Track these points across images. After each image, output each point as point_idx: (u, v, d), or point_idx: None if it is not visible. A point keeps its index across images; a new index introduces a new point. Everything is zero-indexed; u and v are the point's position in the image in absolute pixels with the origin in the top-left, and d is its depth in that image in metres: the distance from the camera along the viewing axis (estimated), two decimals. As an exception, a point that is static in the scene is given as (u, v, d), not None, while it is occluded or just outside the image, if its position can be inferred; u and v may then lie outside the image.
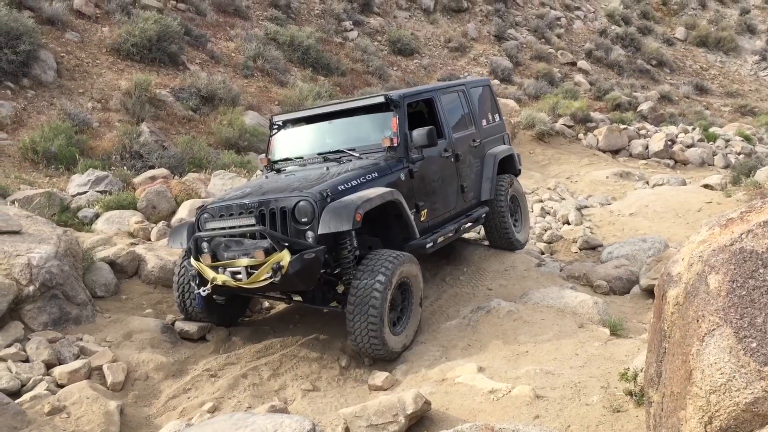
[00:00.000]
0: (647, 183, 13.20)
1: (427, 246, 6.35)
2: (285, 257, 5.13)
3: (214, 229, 5.56)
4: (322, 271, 5.50)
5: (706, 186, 12.35)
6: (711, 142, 16.80)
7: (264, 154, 7.10)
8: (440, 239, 6.67)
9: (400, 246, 6.09)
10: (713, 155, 16.15)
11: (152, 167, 9.61)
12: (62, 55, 11.79)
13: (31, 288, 5.62)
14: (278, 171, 6.68)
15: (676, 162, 15.88)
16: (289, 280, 5.25)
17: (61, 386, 4.97)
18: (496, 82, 19.70)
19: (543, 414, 4.46)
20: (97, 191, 8.47)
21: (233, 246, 5.48)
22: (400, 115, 6.40)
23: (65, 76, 11.43)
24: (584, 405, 4.47)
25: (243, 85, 14.07)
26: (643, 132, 17.13)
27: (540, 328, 5.90)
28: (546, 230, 10.19)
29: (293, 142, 7.00)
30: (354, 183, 5.76)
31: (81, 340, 5.63)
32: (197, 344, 5.98)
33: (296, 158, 6.76)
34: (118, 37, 12.78)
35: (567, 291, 6.76)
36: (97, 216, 7.83)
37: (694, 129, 17.58)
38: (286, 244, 5.23)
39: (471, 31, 21.83)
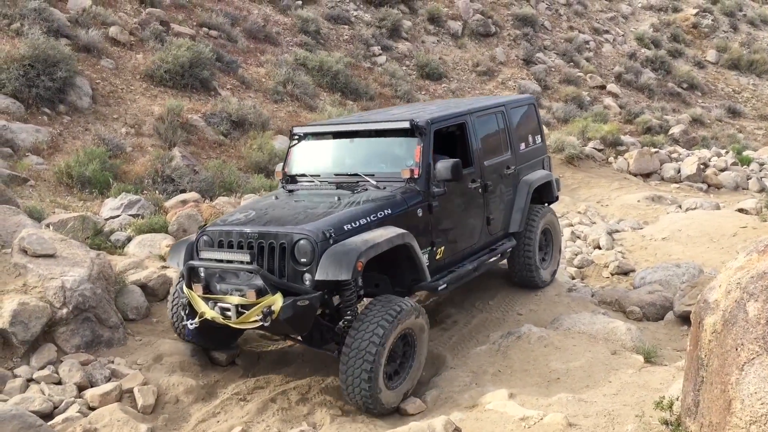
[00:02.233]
0: (680, 207, 12.99)
1: (440, 288, 5.94)
2: (277, 302, 4.84)
3: (208, 260, 5.28)
4: (319, 311, 5.23)
5: (740, 210, 12.12)
6: (745, 166, 16.52)
7: (281, 165, 6.73)
8: (456, 279, 6.20)
9: (409, 286, 5.76)
10: (747, 179, 15.87)
11: (183, 191, 9.72)
12: (97, 81, 12.06)
13: (65, 311, 5.70)
14: (290, 192, 6.32)
15: (709, 186, 15.63)
16: (280, 326, 5.02)
17: (93, 409, 5.02)
18: (525, 105, 19.64)
19: (576, 443, 4.38)
20: (130, 215, 8.58)
21: (228, 277, 5.24)
22: (424, 143, 5.90)
23: (100, 102, 11.67)
24: (618, 434, 4.38)
25: (273, 109, 14.23)
26: (675, 155, 16.89)
27: (572, 355, 5.81)
28: (576, 255, 10.07)
29: (311, 157, 6.59)
30: (363, 221, 5.34)
31: (112, 362, 5.67)
32: (226, 368, 5.99)
33: (312, 175, 6.37)
34: (151, 64, 13.03)
35: (599, 317, 6.66)
36: (129, 239, 7.93)
37: (727, 152, 17.31)
38: (281, 287, 4.95)
39: (499, 55, 21.85)
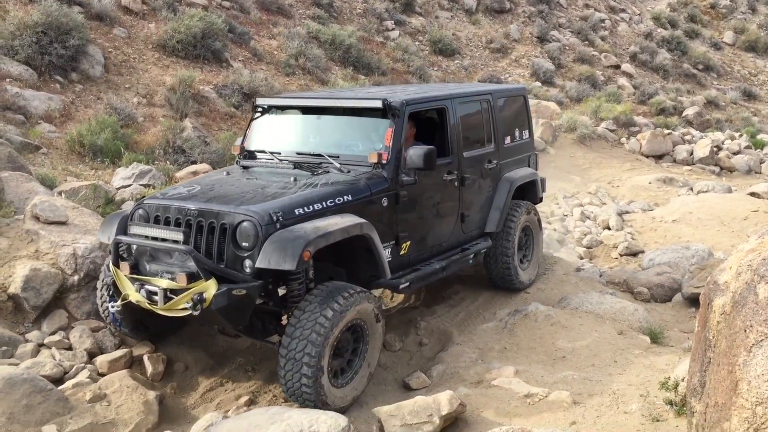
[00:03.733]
0: (691, 189, 12.94)
1: (401, 287, 5.38)
2: (210, 289, 4.33)
3: (138, 236, 4.77)
4: (261, 302, 4.77)
5: (752, 194, 12.05)
6: (758, 150, 16.39)
7: (240, 140, 6.16)
8: (421, 278, 5.64)
9: (367, 281, 5.16)
10: (761, 163, 15.75)
11: (194, 162, 9.74)
12: (110, 50, 12.03)
13: (76, 278, 5.74)
14: (245, 168, 5.79)
15: (721, 169, 15.53)
16: (212, 316, 4.50)
17: (102, 375, 5.08)
18: (538, 84, 19.50)
19: (580, 420, 4.41)
20: (141, 185, 8.61)
21: (160, 257, 4.70)
22: (397, 125, 5.33)
23: (112, 71, 11.66)
24: (622, 413, 4.41)
25: (284, 83, 14.18)
26: (688, 138, 16.78)
27: (578, 334, 5.84)
28: (586, 235, 10.07)
29: (274, 133, 6.04)
30: (318, 206, 4.79)
31: (122, 330, 5.72)
32: (234, 337, 6.04)
33: (272, 152, 5.78)
34: (164, 34, 12.99)
35: (607, 297, 6.67)
36: (140, 209, 7.95)
37: (741, 135, 17.18)
38: (217, 273, 4.44)
39: (513, 32, 21.65)
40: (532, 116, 15.53)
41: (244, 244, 4.51)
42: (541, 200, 7.46)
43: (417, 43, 19.18)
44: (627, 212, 11.27)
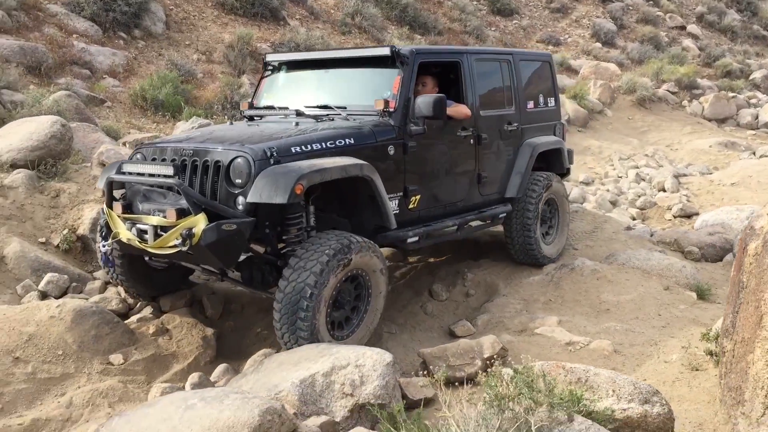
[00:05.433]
0: (753, 154, 12.58)
1: (409, 240, 5.18)
2: (199, 223, 4.17)
3: (130, 173, 4.65)
4: (261, 250, 4.72)
5: (817, 159, 11.66)
6: (828, 114, 15.75)
7: (251, 99, 6.15)
8: (431, 234, 5.45)
9: (373, 234, 5.00)
10: (829, 128, 15.16)
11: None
12: (171, 8, 12.33)
13: (140, 222, 6.04)
14: (250, 119, 5.78)
15: (787, 133, 15.01)
16: (202, 253, 4.31)
17: (164, 312, 5.39)
18: (598, 45, 19.07)
19: (620, 368, 4.51)
20: (200, 138, 8.90)
21: (153, 197, 4.63)
22: (405, 73, 5.22)
23: (173, 29, 11.96)
24: (663, 362, 4.49)
25: (340, 41, 14.27)
26: (753, 101, 16.23)
27: (624, 288, 5.88)
28: (639, 196, 9.96)
29: (283, 89, 6.01)
30: (316, 147, 4.61)
31: (182, 272, 6.01)
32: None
33: (281, 108, 5.71)
34: (223, -8, 13.24)
35: (654, 253, 6.67)
36: (199, 161, 8.26)
37: (810, 99, 16.52)
38: (206, 207, 4.28)
39: (574, -9, 21.14)
40: (591, 78, 15.36)
41: (237, 181, 4.38)
42: (568, 172, 7.19)
43: (474, 2, 18.93)
44: (684, 175, 11.06)
